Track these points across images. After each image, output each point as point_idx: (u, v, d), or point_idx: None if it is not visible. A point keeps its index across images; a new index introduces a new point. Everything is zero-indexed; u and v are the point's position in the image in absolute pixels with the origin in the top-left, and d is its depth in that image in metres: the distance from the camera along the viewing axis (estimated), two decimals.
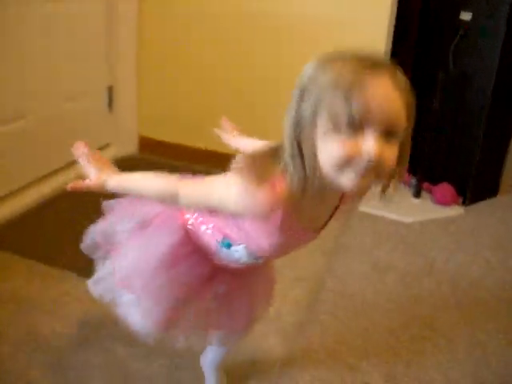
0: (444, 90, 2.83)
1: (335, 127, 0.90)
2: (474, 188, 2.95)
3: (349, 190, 0.94)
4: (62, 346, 1.71)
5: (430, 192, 2.97)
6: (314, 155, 0.94)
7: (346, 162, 0.90)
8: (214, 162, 3.07)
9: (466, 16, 2.76)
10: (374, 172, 0.91)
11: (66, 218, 2.41)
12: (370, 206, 2.77)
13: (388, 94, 0.90)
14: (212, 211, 1.10)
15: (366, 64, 0.91)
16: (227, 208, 1.03)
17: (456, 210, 2.88)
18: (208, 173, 1.09)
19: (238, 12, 2.83)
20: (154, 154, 3.13)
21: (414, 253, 2.44)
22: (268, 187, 0.98)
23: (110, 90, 3.03)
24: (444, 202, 2.90)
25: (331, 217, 1.14)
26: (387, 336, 1.89)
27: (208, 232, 1.24)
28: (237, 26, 2.87)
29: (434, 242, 2.55)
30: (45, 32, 2.52)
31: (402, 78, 0.93)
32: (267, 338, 1.83)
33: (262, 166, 1.00)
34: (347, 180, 0.92)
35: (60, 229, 2.33)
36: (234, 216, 1.10)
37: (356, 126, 0.88)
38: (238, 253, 1.21)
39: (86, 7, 2.75)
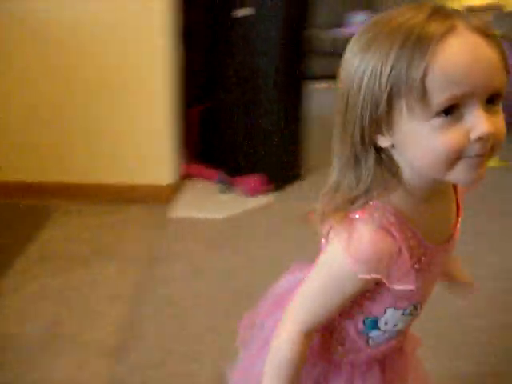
0: (235, 85, 2.94)
1: (425, 112, 0.70)
2: (279, 174, 3.08)
3: (466, 184, 0.78)
4: None
5: (239, 184, 3.03)
6: (413, 154, 0.75)
7: (456, 157, 0.71)
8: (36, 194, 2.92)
9: (246, 11, 2.88)
10: (490, 152, 0.73)
11: None
12: (182, 209, 2.80)
13: (479, 51, 0.70)
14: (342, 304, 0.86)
15: (436, 15, 0.71)
16: (352, 286, 0.81)
17: (266, 199, 2.98)
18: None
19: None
20: None
21: (234, 249, 2.47)
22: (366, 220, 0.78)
23: None
24: (253, 193, 2.98)
25: (458, 215, 0.90)
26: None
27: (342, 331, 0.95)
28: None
29: (251, 234, 2.61)
30: None
31: (481, 22, 0.73)
32: (88, 364, 1.75)
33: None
34: (461, 175, 0.73)
35: None
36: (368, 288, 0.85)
37: (456, 101, 0.70)
38: (390, 323, 0.91)
39: None
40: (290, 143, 3.14)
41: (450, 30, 0.69)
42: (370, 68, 0.72)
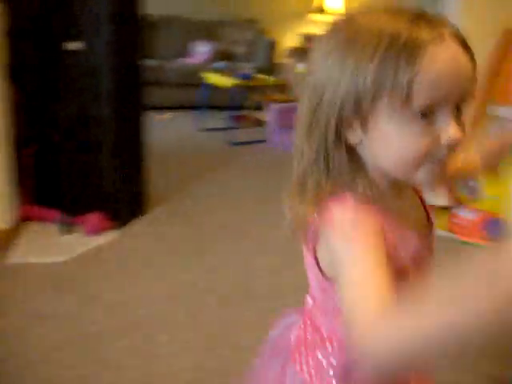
0: (67, 121, 2.90)
1: (405, 113, 0.72)
2: (121, 210, 3.04)
3: (427, 185, 0.81)
4: None
5: (80, 224, 2.94)
6: (376, 154, 0.77)
7: (424, 158, 0.74)
8: None
9: (74, 46, 2.84)
10: (451, 155, 0.77)
11: None
12: (21, 254, 2.68)
13: (460, 59, 0.74)
14: None
15: (420, 21, 0.73)
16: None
17: (110, 236, 2.93)
18: None
19: None
20: None
21: (80, 291, 2.40)
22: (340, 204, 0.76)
23: None
24: (95, 231, 2.91)
25: (425, 207, 0.91)
26: None
27: None
28: None
29: (96, 274, 2.55)
30: None
31: (460, 31, 0.76)
32: None
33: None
34: (424, 174, 0.76)
35: None
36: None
37: (433, 104, 0.72)
38: None
39: None
40: (131, 177, 3.11)
41: (438, 37, 0.72)
42: (353, 66, 0.73)
